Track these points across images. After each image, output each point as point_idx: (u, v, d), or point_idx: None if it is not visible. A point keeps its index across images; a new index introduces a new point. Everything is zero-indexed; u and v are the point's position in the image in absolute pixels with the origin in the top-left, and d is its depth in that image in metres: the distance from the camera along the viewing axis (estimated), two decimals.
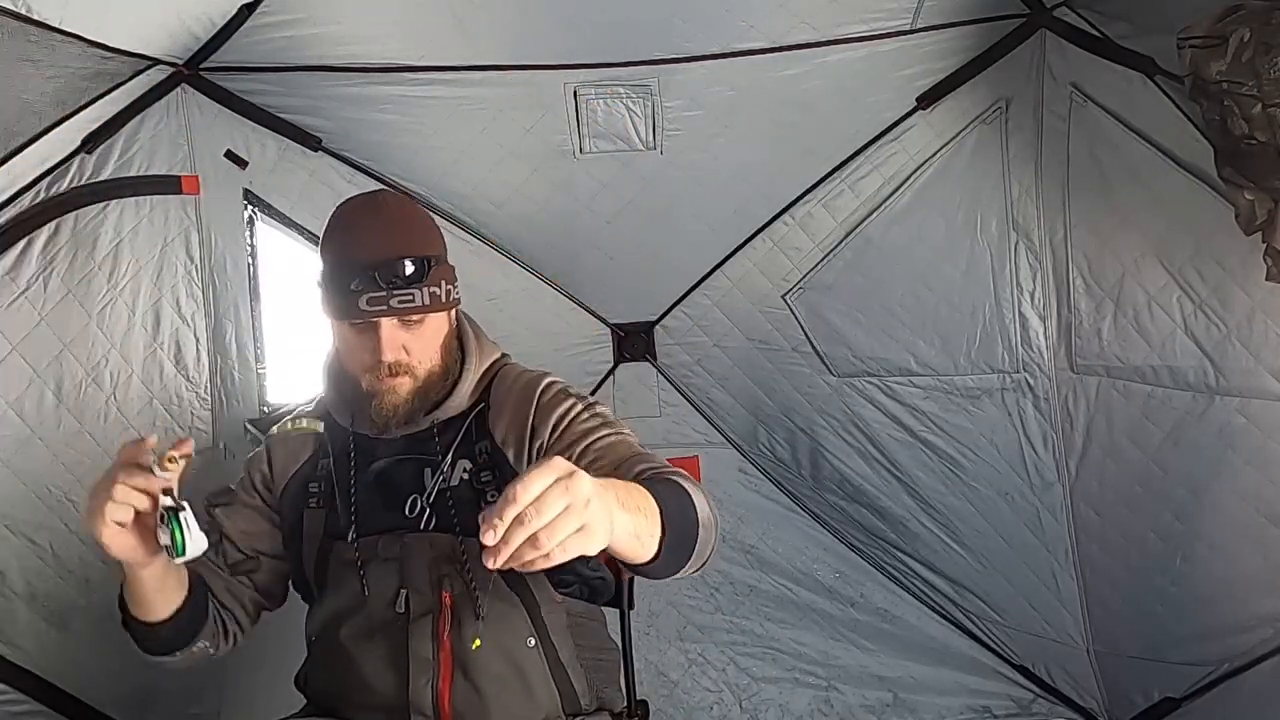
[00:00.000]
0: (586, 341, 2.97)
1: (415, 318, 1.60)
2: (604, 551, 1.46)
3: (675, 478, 1.44)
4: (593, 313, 2.96)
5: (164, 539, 1.32)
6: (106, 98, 2.27)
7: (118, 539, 1.35)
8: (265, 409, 2.64)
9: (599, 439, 1.59)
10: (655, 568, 1.30)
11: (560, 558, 1.06)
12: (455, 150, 2.61)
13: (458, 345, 1.73)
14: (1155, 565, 2.53)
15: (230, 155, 2.55)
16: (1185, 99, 2.00)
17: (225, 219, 2.57)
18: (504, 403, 1.69)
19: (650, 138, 2.57)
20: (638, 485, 1.28)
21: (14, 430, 2.33)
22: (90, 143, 2.33)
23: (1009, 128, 2.53)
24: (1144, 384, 2.42)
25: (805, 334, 2.84)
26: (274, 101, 2.53)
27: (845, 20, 2.37)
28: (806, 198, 2.73)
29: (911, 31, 2.40)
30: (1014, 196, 2.56)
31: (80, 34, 1.92)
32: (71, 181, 2.35)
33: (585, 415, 1.64)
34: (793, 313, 2.84)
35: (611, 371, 3.00)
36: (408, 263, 1.56)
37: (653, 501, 1.27)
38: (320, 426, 1.76)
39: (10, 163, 2.17)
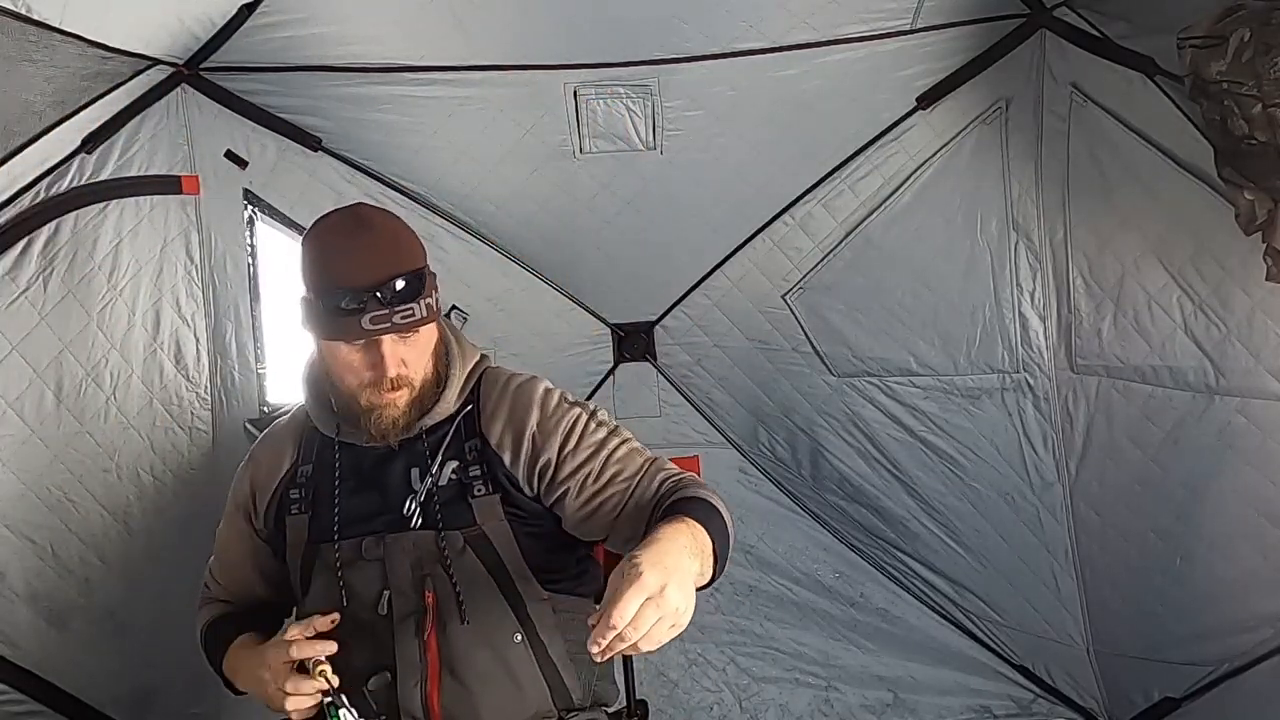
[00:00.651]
0: (586, 341, 2.97)
1: (412, 331, 1.60)
2: (597, 545, 1.71)
3: (700, 493, 1.56)
4: (593, 313, 2.96)
5: None
6: (106, 98, 2.27)
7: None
8: (265, 409, 2.64)
9: (613, 452, 1.66)
10: (701, 589, 1.43)
11: (657, 646, 1.28)
12: (455, 150, 2.61)
13: (444, 351, 1.73)
14: (1155, 565, 2.53)
15: (230, 155, 2.55)
16: (1185, 99, 2.00)
17: (225, 219, 2.58)
18: (497, 406, 1.71)
19: (650, 138, 2.57)
20: (694, 523, 1.45)
21: (14, 430, 2.34)
22: (90, 143, 2.34)
23: (1009, 128, 2.53)
24: (1144, 384, 2.42)
25: (805, 334, 2.84)
26: (274, 101, 2.53)
27: (845, 20, 2.37)
28: (806, 198, 2.73)
29: (911, 31, 2.40)
30: (1014, 196, 2.56)
31: (80, 34, 1.92)
32: (71, 181, 2.35)
33: (592, 426, 1.68)
34: (793, 313, 2.84)
35: (611, 371, 3.00)
36: (406, 278, 1.57)
37: (707, 537, 1.45)
38: None
39: (10, 163, 2.18)
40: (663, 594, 1.25)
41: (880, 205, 2.68)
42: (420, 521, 1.64)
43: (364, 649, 1.61)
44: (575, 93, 2.50)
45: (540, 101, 2.52)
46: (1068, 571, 2.76)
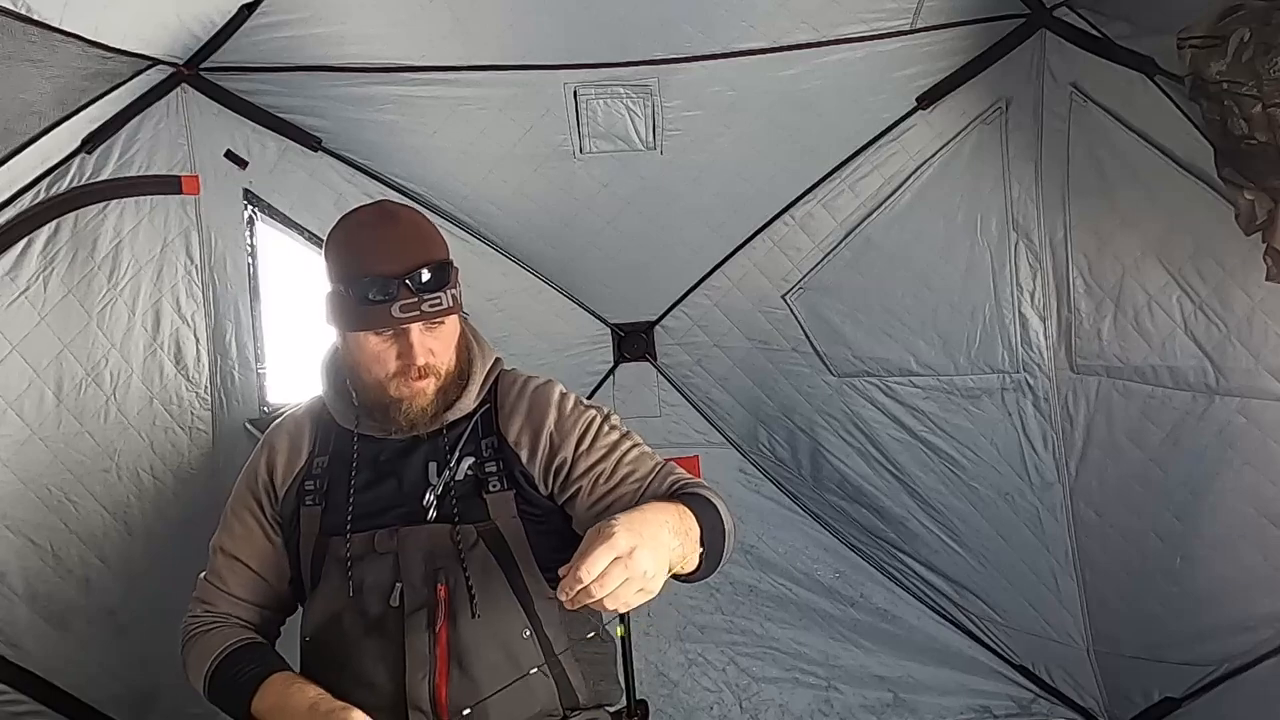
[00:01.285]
0: (586, 341, 2.97)
1: (439, 320, 1.64)
2: None
3: (702, 491, 1.63)
4: (593, 313, 2.96)
5: None
6: (106, 98, 2.28)
7: None
8: (265, 409, 2.64)
9: (626, 454, 1.71)
10: (691, 578, 1.54)
11: (625, 609, 1.36)
12: (455, 150, 2.61)
13: (466, 346, 1.77)
14: (1155, 565, 2.53)
15: (230, 155, 2.55)
16: (1185, 99, 2.00)
17: (225, 219, 2.58)
18: (515, 405, 1.75)
19: (650, 138, 2.57)
20: (684, 508, 1.51)
21: (14, 430, 2.33)
22: (90, 143, 2.34)
23: (1009, 128, 2.53)
24: (1144, 384, 2.42)
25: (805, 334, 2.84)
26: (274, 101, 2.53)
27: (845, 20, 2.37)
28: (806, 198, 2.73)
29: (911, 31, 2.40)
30: (1014, 196, 2.56)
31: (80, 34, 1.93)
32: (71, 181, 2.35)
33: (606, 428, 1.74)
34: (793, 313, 2.84)
35: (611, 371, 3.00)
36: (433, 268, 1.61)
37: (695, 523, 1.50)
38: None
39: (10, 163, 2.18)
40: (632, 556, 1.32)
41: (880, 205, 2.67)
42: (435, 515, 1.66)
43: (372, 641, 1.62)
44: (575, 93, 2.50)
45: (540, 101, 2.52)
46: (1068, 571, 2.76)
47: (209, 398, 2.58)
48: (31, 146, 2.19)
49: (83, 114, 2.25)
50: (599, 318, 2.97)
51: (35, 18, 1.76)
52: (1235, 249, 2.08)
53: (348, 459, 1.73)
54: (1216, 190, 2.04)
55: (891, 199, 2.66)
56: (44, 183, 2.31)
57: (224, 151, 2.55)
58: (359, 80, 2.48)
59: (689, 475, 1.71)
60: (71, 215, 2.36)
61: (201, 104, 2.49)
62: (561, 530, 1.73)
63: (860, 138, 2.63)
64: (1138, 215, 2.33)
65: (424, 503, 1.66)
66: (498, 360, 1.83)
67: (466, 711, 1.57)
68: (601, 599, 1.31)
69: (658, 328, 2.99)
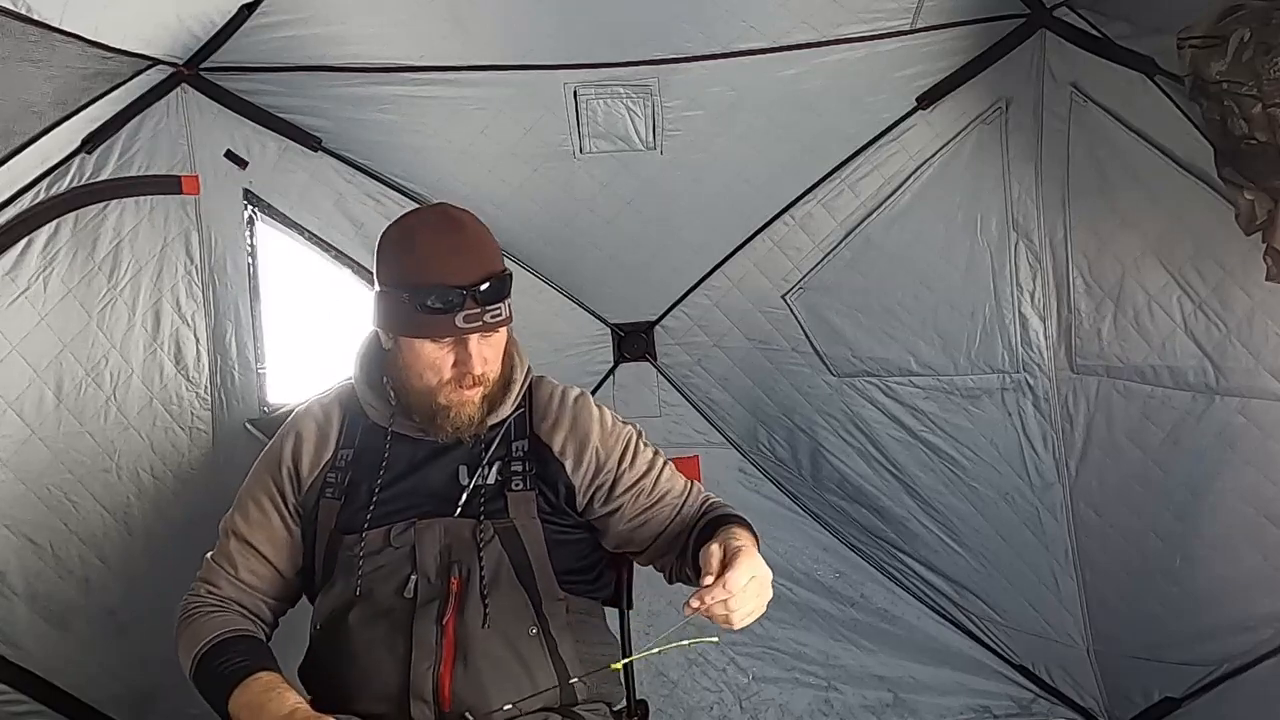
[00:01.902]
0: (586, 341, 2.97)
1: (494, 330, 1.66)
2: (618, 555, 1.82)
3: (735, 511, 1.73)
4: (593, 313, 2.96)
5: None
6: (106, 98, 2.28)
7: None
8: (265, 409, 2.64)
9: (662, 472, 1.79)
10: None
11: (745, 623, 1.45)
12: (455, 150, 2.61)
13: (509, 353, 1.78)
14: (1155, 565, 2.53)
15: (230, 155, 2.55)
16: (1185, 99, 2.00)
17: (225, 219, 2.58)
18: (557, 416, 1.77)
19: (650, 138, 2.57)
20: (747, 531, 1.61)
21: (14, 430, 2.34)
22: (90, 143, 2.34)
23: (1009, 128, 2.52)
24: (1144, 384, 2.42)
25: (805, 334, 2.84)
26: (274, 101, 2.53)
27: (845, 20, 2.37)
28: (806, 198, 2.73)
29: (911, 31, 2.40)
30: (1014, 196, 2.56)
31: (80, 34, 1.93)
32: (71, 181, 2.35)
33: (642, 445, 1.81)
34: (793, 313, 2.84)
35: (611, 371, 3.00)
36: (495, 279, 1.63)
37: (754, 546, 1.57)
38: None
39: (10, 163, 2.18)
40: (766, 579, 1.44)
41: (880, 205, 2.67)
42: (460, 511, 1.68)
43: (381, 632, 1.63)
44: (575, 93, 2.50)
45: (540, 101, 2.52)
46: (1068, 571, 2.76)
47: (209, 398, 2.58)
48: (31, 146, 2.19)
49: (83, 114, 2.25)
50: (599, 318, 2.97)
51: (35, 18, 1.76)
52: (1235, 249, 2.08)
53: (376, 455, 1.73)
54: (1216, 190, 2.04)
55: (891, 199, 2.66)
56: (44, 183, 2.31)
57: (224, 151, 2.55)
58: (359, 80, 2.47)
59: (712, 494, 1.81)
60: (71, 215, 2.37)
61: (201, 104, 2.49)
62: (580, 539, 1.76)
63: (860, 138, 2.63)
64: (1138, 215, 2.33)
65: (458, 503, 1.68)
66: (529, 367, 1.84)
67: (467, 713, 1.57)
68: (730, 615, 1.41)
69: (658, 328, 2.99)
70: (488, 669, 1.61)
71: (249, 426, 2.60)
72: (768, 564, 1.49)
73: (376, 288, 1.69)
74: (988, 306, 2.64)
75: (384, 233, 1.70)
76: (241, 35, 2.34)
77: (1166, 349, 2.34)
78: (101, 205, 2.40)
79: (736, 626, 1.42)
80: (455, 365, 1.64)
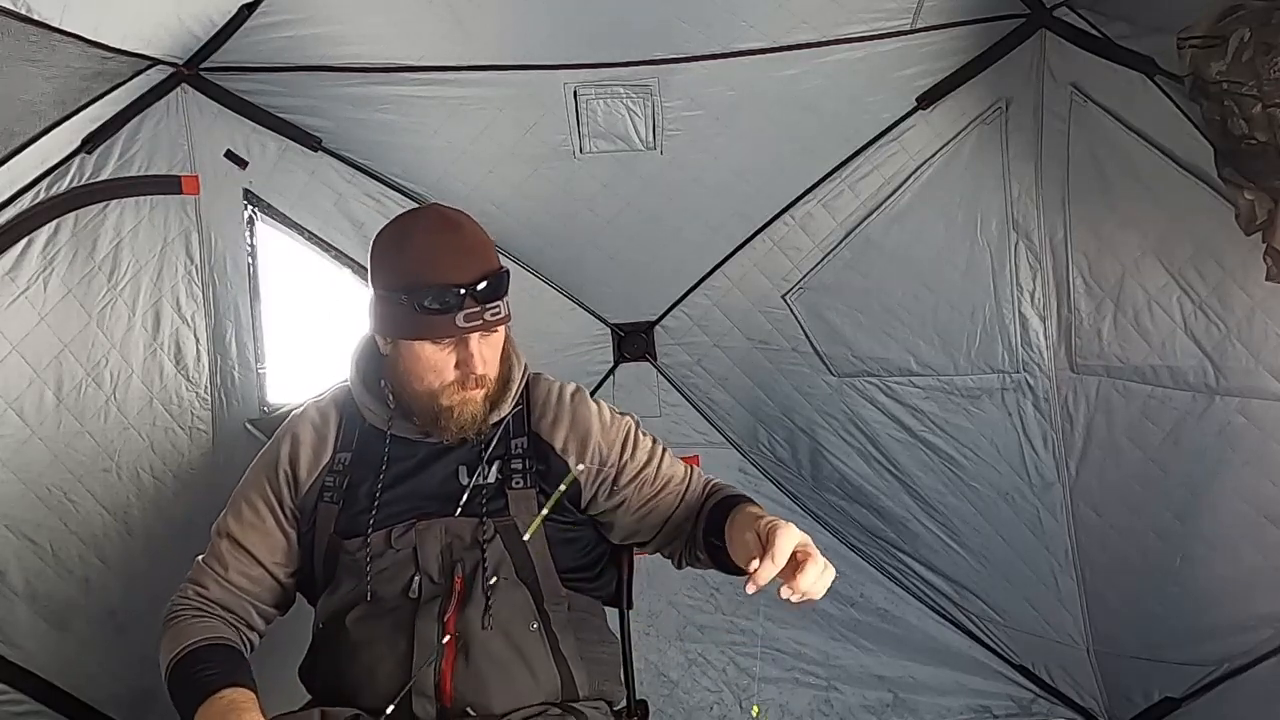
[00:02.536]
0: (586, 341, 2.97)
1: (494, 329, 1.66)
2: (616, 547, 1.87)
3: (737, 489, 1.77)
4: (593, 313, 2.96)
5: None
6: (106, 98, 2.27)
7: None
8: (265, 409, 2.64)
9: (662, 459, 1.82)
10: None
11: (819, 595, 1.41)
12: (455, 150, 2.61)
13: (508, 352, 1.78)
14: (1155, 565, 2.53)
15: (230, 155, 2.55)
16: (1185, 99, 2.00)
17: (225, 219, 2.57)
18: (557, 413, 1.78)
19: (650, 138, 2.57)
20: (759, 509, 1.63)
21: (14, 430, 2.34)
22: (90, 143, 2.34)
23: (1009, 128, 2.52)
24: (1144, 384, 2.42)
25: (805, 334, 2.84)
26: (274, 101, 2.53)
27: (845, 20, 2.37)
28: (806, 198, 2.73)
29: (911, 31, 2.40)
30: (1014, 196, 2.56)
31: (80, 34, 1.92)
32: (71, 181, 2.35)
33: (641, 435, 1.83)
34: (793, 313, 2.84)
35: (611, 371, 3.00)
36: (493, 277, 1.63)
37: None
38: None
39: (10, 163, 2.18)
40: (808, 543, 1.41)
41: (880, 205, 2.67)
42: (461, 512, 1.68)
43: (384, 630, 1.63)
44: (575, 93, 2.50)
45: (540, 101, 2.52)
46: (1068, 571, 2.76)
47: (209, 398, 2.58)
48: (31, 146, 2.19)
49: (83, 114, 2.24)
50: (599, 318, 2.97)
51: (35, 18, 1.76)
52: (1235, 249, 2.08)
53: (374, 459, 1.73)
54: (1216, 190, 2.04)
55: (891, 199, 2.66)
56: (44, 183, 2.31)
57: (224, 151, 2.54)
58: (359, 80, 2.47)
59: (713, 477, 1.83)
60: (71, 215, 2.36)
61: (201, 104, 2.49)
62: (581, 536, 1.77)
63: (860, 138, 2.63)
64: (1138, 215, 2.33)
65: (459, 503, 1.68)
66: (526, 364, 1.84)
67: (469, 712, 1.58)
68: (804, 588, 1.37)
69: (658, 328, 2.99)
70: (489, 666, 1.61)
71: (249, 427, 2.60)
72: None
73: (372, 293, 1.69)
74: (988, 306, 2.64)
75: (377, 237, 1.70)
76: (241, 35, 2.34)
77: (1166, 349, 2.34)
78: (101, 205, 2.40)
79: (817, 596, 1.40)
80: (457, 366, 1.64)
